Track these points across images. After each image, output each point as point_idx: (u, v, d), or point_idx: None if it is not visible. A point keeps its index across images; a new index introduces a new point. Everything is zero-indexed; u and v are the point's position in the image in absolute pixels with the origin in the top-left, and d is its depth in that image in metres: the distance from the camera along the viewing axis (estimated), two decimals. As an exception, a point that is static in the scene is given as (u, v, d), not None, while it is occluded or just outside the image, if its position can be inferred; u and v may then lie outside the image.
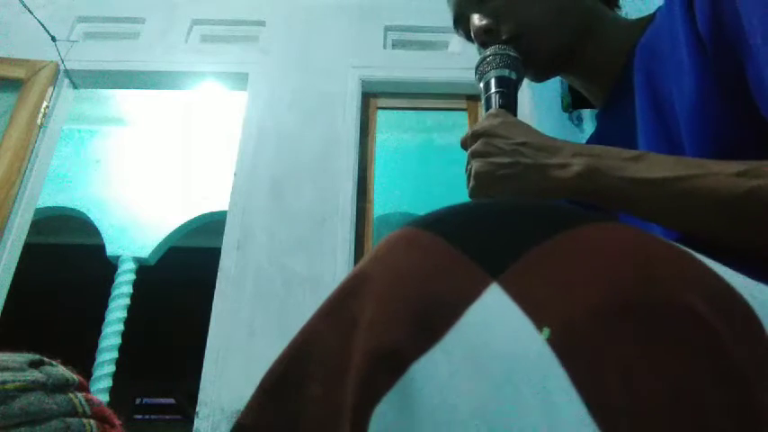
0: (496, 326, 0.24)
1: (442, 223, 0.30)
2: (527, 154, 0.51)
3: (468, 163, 0.56)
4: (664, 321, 0.23)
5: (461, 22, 0.70)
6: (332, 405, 0.26)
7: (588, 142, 0.71)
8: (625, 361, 0.22)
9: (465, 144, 0.58)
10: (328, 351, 0.27)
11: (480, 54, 0.64)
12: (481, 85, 0.63)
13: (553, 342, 0.23)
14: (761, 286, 0.28)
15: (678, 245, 0.29)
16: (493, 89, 0.61)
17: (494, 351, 0.23)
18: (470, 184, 0.55)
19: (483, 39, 0.64)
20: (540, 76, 0.67)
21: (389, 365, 0.24)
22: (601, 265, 0.26)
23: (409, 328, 0.25)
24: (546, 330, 0.23)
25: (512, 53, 0.61)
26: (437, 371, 0.23)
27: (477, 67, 0.64)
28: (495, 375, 0.23)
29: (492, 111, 0.58)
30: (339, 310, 0.29)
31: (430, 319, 0.25)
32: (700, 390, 0.22)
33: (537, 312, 0.24)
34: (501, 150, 0.52)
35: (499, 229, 0.29)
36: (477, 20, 0.65)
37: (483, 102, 0.63)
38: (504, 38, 0.63)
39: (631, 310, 0.24)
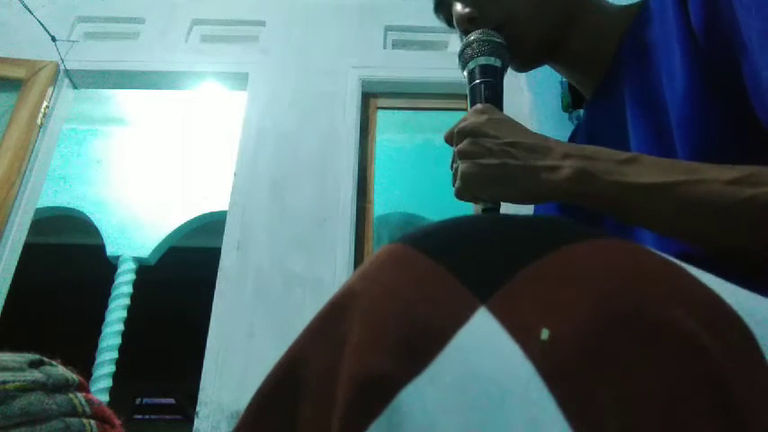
0: (485, 352, 0.24)
1: (432, 241, 0.30)
2: (516, 155, 0.49)
3: (453, 161, 0.54)
4: (651, 343, 0.23)
5: (442, 9, 0.68)
6: (321, 428, 0.25)
7: (575, 133, 0.69)
8: (613, 384, 0.22)
9: (450, 141, 0.55)
10: (316, 373, 0.27)
11: (463, 40, 0.62)
12: (465, 73, 0.61)
13: (541, 368, 0.23)
14: (753, 296, 0.28)
15: (667, 257, 0.28)
16: (478, 78, 0.58)
17: (482, 377, 0.23)
18: (456, 185, 0.52)
19: (465, 27, 0.62)
20: (525, 66, 0.65)
21: (377, 392, 0.24)
22: (586, 287, 0.25)
23: (396, 353, 0.25)
24: (534, 356, 0.23)
25: (497, 39, 0.59)
26: (425, 398, 0.23)
27: (460, 54, 0.61)
28: (483, 402, 0.22)
29: (478, 106, 0.55)
30: (327, 330, 0.28)
31: (417, 345, 0.25)
32: (690, 413, 0.21)
33: (525, 337, 0.24)
34: (489, 151, 0.50)
35: (489, 250, 0.29)
36: (459, 7, 0.63)
37: (468, 91, 0.60)
38: (487, 27, 0.61)
39: (618, 332, 0.23)
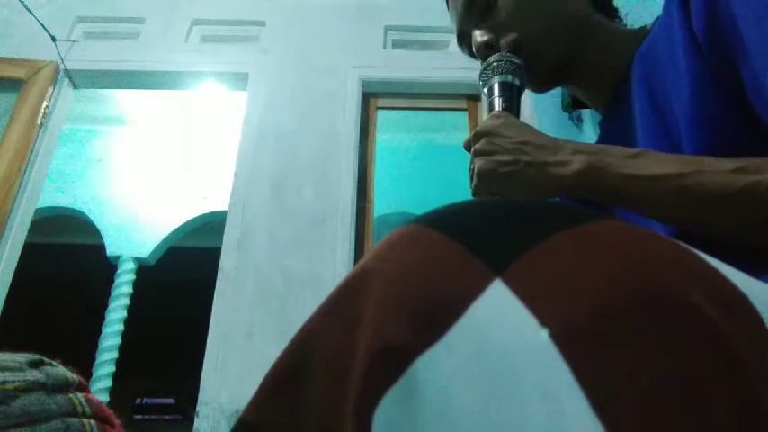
0: (499, 322, 0.24)
1: (445, 220, 0.30)
2: (528, 152, 0.52)
3: (471, 162, 0.57)
4: (665, 317, 0.23)
5: (464, 39, 0.72)
6: (335, 401, 0.26)
7: None
8: (628, 357, 0.22)
9: (468, 145, 0.59)
10: (331, 347, 0.27)
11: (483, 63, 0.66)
12: (485, 90, 0.65)
13: (556, 338, 0.23)
14: (760, 283, 0.28)
15: (679, 242, 0.29)
16: (496, 93, 0.62)
17: (497, 347, 0.23)
18: (473, 183, 0.56)
19: (484, 53, 0.66)
20: (541, 87, 0.69)
21: (393, 361, 0.24)
22: (603, 261, 0.26)
23: (413, 324, 0.25)
24: (549, 326, 0.23)
25: (515, 60, 0.63)
26: (441, 366, 0.23)
27: (481, 74, 0.65)
28: (498, 372, 0.23)
29: (494, 112, 0.60)
30: (342, 306, 0.29)
31: (433, 316, 0.25)
32: (702, 385, 0.22)
33: (540, 308, 0.24)
34: (503, 149, 0.54)
35: (503, 226, 0.29)
36: (478, 36, 0.67)
37: (486, 106, 0.64)
38: (504, 51, 0.65)
39: (633, 306, 0.24)
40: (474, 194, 0.56)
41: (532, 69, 0.64)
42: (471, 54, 0.72)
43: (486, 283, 0.26)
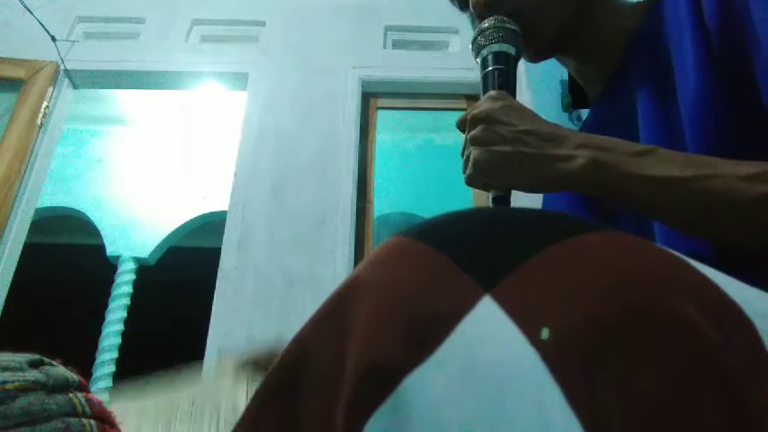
0: (489, 339, 0.24)
1: (436, 233, 0.30)
2: (530, 143, 0.48)
3: (465, 147, 0.54)
4: (657, 333, 0.23)
5: None
6: (325, 417, 0.25)
7: (583, 128, 0.69)
8: (617, 373, 0.22)
9: (461, 127, 0.55)
10: (321, 362, 0.27)
11: (477, 26, 0.60)
12: (478, 60, 0.60)
13: (546, 356, 0.23)
14: (755, 290, 0.28)
15: (672, 252, 0.28)
16: (491, 66, 0.57)
17: (486, 365, 0.23)
18: (468, 172, 0.52)
19: (481, 12, 0.61)
20: (537, 56, 0.64)
21: (382, 379, 0.24)
22: (592, 276, 0.26)
23: (402, 341, 0.25)
24: (538, 344, 0.23)
25: (511, 26, 0.58)
26: (430, 385, 0.23)
27: (474, 40, 0.60)
28: (487, 390, 0.22)
29: (492, 93, 0.55)
30: (333, 319, 0.28)
31: (423, 333, 0.25)
32: (696, 400, 0.22)
33: (530, 325, 0.24)
34: (502, 138, 0.49)
35: (493, 241, 0.29)
36: None
37: (480, 78, 0.59)
38: (502, 13, 0.60)
39: (623, 323, 0.23)
40: (468, 183, 0.53)
41: (530, 39, 0.60)
42: (462, 8, 0.67)
43: (476, 300, 0.25)
